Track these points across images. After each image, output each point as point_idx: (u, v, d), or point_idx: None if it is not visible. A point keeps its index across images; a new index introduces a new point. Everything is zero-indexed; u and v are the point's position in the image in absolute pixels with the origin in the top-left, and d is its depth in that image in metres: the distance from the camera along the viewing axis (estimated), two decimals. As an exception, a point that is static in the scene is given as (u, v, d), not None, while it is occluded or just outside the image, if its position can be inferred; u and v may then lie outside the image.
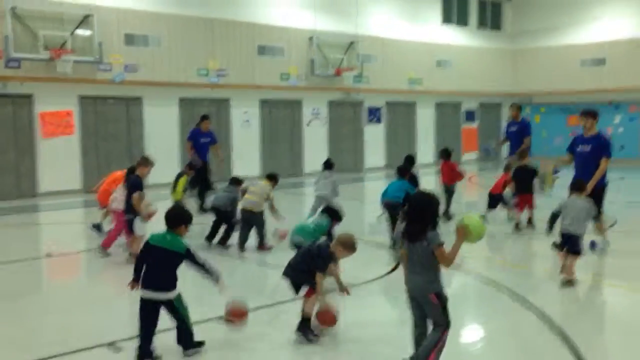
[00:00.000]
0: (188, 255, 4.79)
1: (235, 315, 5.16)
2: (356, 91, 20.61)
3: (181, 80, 16.91)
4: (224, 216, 8.84)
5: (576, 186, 6.94)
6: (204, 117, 12.98)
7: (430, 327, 4.34)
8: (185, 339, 4.88)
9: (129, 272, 5.00)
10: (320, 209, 8.02)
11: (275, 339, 5.30)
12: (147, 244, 4.85)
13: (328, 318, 5.27)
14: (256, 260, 8.30)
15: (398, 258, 7.31)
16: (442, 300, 4.25)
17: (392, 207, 8.25)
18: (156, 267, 4.74)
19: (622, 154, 21.25)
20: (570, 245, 6.66)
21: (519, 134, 11.41)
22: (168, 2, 16.66)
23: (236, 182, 9.20)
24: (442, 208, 10.25)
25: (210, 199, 9.52)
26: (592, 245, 7.86)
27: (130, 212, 7.88)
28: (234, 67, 17.85)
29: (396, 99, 22.04)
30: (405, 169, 8.98)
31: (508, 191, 10.24)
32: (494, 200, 10.42)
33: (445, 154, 10.97)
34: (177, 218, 4.84)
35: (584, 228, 6.73)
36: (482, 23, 24.97)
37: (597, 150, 7.94)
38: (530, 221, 9.96)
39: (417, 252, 4.23)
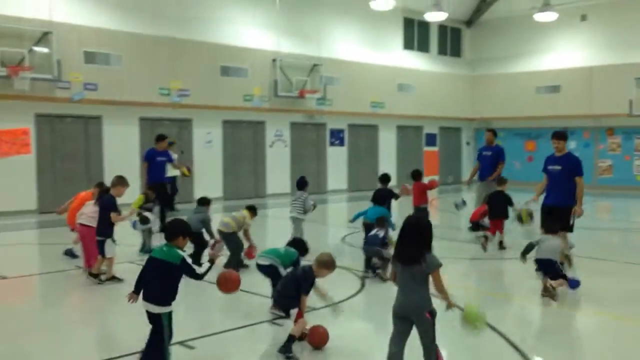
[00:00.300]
0: (183, 265, 4.67)
1: (227, 281, 5.02)
2: (319, 113, 20.71)
3: (142, 100, 16.70)
4: (195, 238, 8.71)
5: (549, 229, 7.35)
6: (161, 137, 12.63)
7: (403, 348, 4.39)
8: (156, 358, 4.70)
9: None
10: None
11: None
12: (149, 257, 4.83)
13: (318, 336, 5.41)
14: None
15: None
16: (433, 316, 4.33)
17: (371, 227, 8.57)
18: (153, 279, 4.72)
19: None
20: (550, 272, 7.07)
21: (493, 158, 11.59)
22: (130, 21, 16.50)
23: (204, 202, 9.14)
24: None
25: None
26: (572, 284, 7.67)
27: (102, 234, 7.82)
28: (197, 87, 17.73)
29: (359, 121, 22.23)
30: (383, 195, 9.50)
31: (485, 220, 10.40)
32: (475, 226, 10.52)
33: (416, 175, 11.11)
34: (174, 230, 4.82)
35: (557, 258, 7.22)
36: (442, 50, 25.51)
37: (567, 169, 8.24)
38: (501, 244, 10.24)
39: (412, 273, 4.30)
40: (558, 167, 8.33)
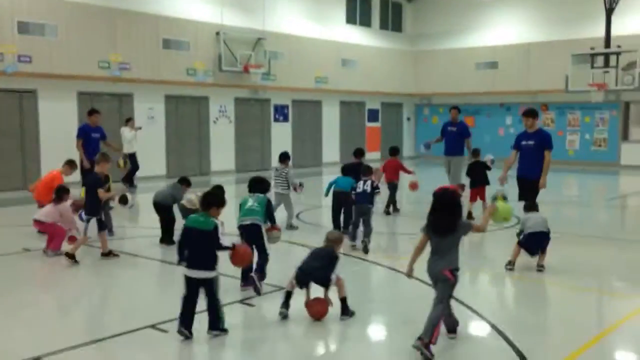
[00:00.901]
0: (213, 233, 5.05)
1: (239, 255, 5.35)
2: (263, 89, 20.41)
3: (80, 73, 15.92)
4: (162, 210, 8.73)
5: (528, 207, 7.67)
6: (94, 111, 12.19)
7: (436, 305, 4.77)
8: (213, 318, 5.12)
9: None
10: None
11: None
12: (184, 227, 5.24)
13: (320, 308, 5.59)
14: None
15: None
16: (453, 275, 4.76)
17: (341, 195, 9.11)
18: (195, 247, 5.11)
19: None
20: (538, 244, 7.24)
21: (458, 134, 12.16)
22: (66, -10, 15.65)
23: (184, 181, 8.90)
24: (385, 204, 11.27)
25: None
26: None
27: (91, 213, 7.78)
28: (138, 61, 17.07)
29: (303, 97, 22.07)
30: (353, 168, 9.62)
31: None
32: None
33: (394, 152, 11.37)
34: (209, 201, 5.23)
35: (548, 229, 7.40)
36: (384, 24, 25.58)
37: (539, 144, 8.68)
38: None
39: (445, 241, 4.76)
40: (531, 142, 8.75)
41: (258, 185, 6.93)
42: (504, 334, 5.22)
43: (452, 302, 5.13)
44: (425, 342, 4.57)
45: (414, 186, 11.23)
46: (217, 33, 18.73)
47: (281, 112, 21.54)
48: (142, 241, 9.27)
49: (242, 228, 6.53)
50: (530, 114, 8.86)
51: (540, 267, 7.34)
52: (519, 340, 5.05)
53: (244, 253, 5.43)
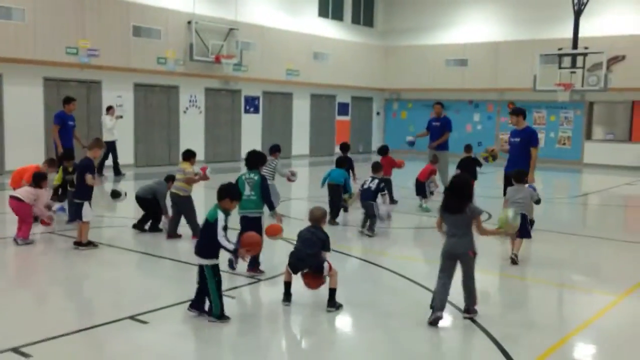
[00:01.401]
0: (213, 225, 5.23)
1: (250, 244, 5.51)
2: (235, 79, 20.25)
3: (47, 58, 15.53)
4: (145, 204, 8.89)
5: (516, 177, 7.83)
6: (70, 99, 12.33)
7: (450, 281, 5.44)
8: (197, 299, 5.36)
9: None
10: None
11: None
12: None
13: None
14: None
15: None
16: (475, 255, 5.47)
17: (334, 187, 9.83)
18: (201, 234, 5.46)
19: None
20: (520, 229, 7.19)
21: (442, 128, 12.89)
22: (33, -28, 15.22)
23: (170, 179, 8.82)
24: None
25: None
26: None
27: (81, 197, 7.76)
28: (107, 47, 16.72)
29: (274, 89, 21.97)
30: (345, 160, 10.30)
31: (431, 180, 11.36)
32: (421, 187, 11.35)
33: (384, 151, 11.70)
34: (222, 192, 5.43)
35: (530, 209, 7.87)
36: (355, 19, 25.62)
37: (525, 141, 9.20)
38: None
39: (457, 221, 5.39)
40: (517, 139, 9.33)
41: (253, 159, 6.99)
42: (482, 326, 5.32)
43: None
44: (469, 308, 5.48)
45: (400, 163, 11.64)
46: (189, 22, 18.47)
47: (252, 104, 21.41)
48: (119, 231, 9.13)
49: (241, 219, 6.69)
50: (515, 112, 9.38)
51: (514, 257, 7.49)
52: (500, 336, 5.15)
53: (252, 243, 5.52)
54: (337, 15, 24.68)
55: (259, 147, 21.39)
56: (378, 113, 27.07)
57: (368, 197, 8.97)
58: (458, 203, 5.39)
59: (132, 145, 17.86)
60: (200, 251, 5.33)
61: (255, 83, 21.04)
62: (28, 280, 6.88)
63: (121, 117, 16.36)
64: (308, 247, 5.68)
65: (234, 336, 5.16)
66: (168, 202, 8.81)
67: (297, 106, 23.10)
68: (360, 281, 6.98)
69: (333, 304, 5.66)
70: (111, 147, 15.33)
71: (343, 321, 5.60)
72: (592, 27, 20.78)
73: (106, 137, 15.08)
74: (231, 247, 5.28)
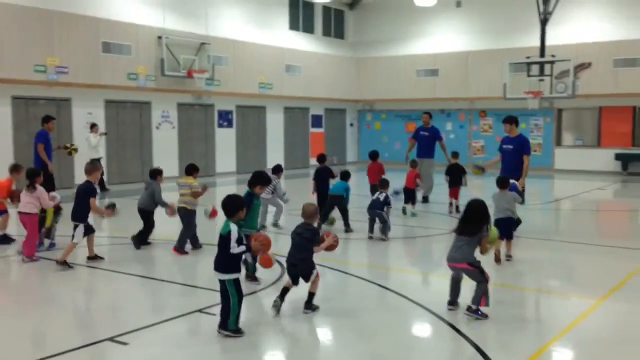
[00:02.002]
0: (225, 237, 5.24)
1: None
2: (207, 94, 20.16)
3: (15, 77, 15.27)
4: (145, 216, 8.97)
5: (501, 183, 8.28)
6: (50, 118, 12.67)
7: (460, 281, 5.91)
8: (224, 318, 5.26)
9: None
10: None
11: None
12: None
13: (265, 261, 6.11)
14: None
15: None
16: (476, 266, 5.73)
17: (336, 198, 10.22)
18: (218, 250, 5.37)
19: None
20: (505, 231, 7.88)
21: (431, 138, 13.51)
22: (-1, -10, 15.00)
23: (155, 172, 9.11)
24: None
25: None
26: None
27: (78, 219, 7.83)
28: (76, 64, 16.52)
29: (247, 102, 21.92)
30: (347, 174, 10.63)
31: (417, 183, 12.09)
32: (411, 193, 12.01)
33: (375, 155, 12.18)
34: (232, 206, 5.42)
35: (513, 212, 8.24)
36: (326, 31, 25.75)
37: (517, 149, 9.65)
38: (457, 209, 11.78)
39: (465, 240, 5.75)
40: (510, 147, 9.78)
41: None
42: (464, 333, 5.32)
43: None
44: (474, 308, 5.68)
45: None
46: (160, 37, 18.36)
47: (225, 118, 21.32)
48: (100, 250, 8.96)
49: None
50: (508, 120, 9.86)
51: (508, 257, 7.98)
52: (483, 343, 5.16)
53: (259, 237, 5.71)
54: (308, 28, 24.79)
55: (233, 162, 21.34)
56: (351, 124, 27.18)
57: (376, 207, 9.57)
58: (476, 227, 5.73)
59: (105, 162, 17.57)
60: (220, 267, 5.31)
61: (228, 97, 20.97)
62: (3, 301, 6.70)
63: (105, 134, 16.60)
64: (298, 252, 5.88)
65: (216, 355, 5.07)
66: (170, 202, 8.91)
67: (271, 119, 23.07)
68: (340, 292, 6.95)
69: (309, 307, 5.88)
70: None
71: (324, 332, 5.56)
72: (559, 35, 21.23)
73: (91, 155, 15.14)
74: (243, 248, 5.32)
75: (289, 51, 23.17)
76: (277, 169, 10.85)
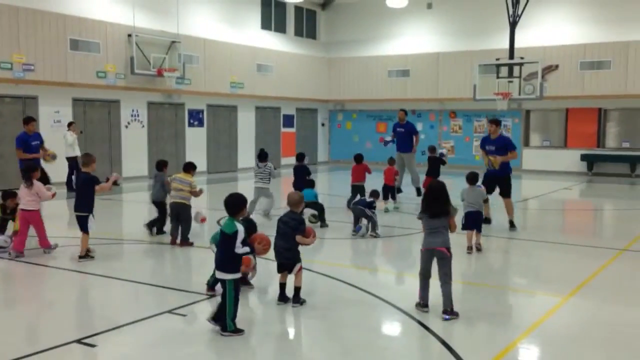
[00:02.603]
0: (231, 236, 5.23)
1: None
2: (178, 93, 19.97)
3: (-21, 74, 14.95)
4: (160, 207, 9.69)
5: (470, 179, 9.00)
6: (30, 119, 12.38)
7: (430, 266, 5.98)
8: (222, 320, 5.26)
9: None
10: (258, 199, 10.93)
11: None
12: (221, 230, 5.45)
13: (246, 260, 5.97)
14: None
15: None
16: (450, 253, 5.90)
17: (310, 204, 10.38)
18: (219, 249, 5.42)
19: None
20: (475, 223, 8.66)
21: (407, 134, 14.02)
22: (-37, -16, 14.64)
23: (162, 164, 9.85)
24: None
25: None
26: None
27: (85, 210, 7.97)
28: (43, 62, 16.22)
29: (218, 102, 21.78)
30: (312, 182, 11.37)
31: (396, 179, 12.74)
32: (390, 190, 12.61)
33: (360, 158, 12.55)
34: (235, 205, 5.44)
35: (481, 206, 8.94)
36: (298, 31, 25.74)
37: (500, 148, 10.37)
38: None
39: (437, 223, 5.88)
40: (492, 147, 10.51)
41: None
42: (435, 332, 5.37)
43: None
44: (450, 310, 5.76)
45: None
46: (129, 35, 18.13)
47: (196, 117, 21.15)
48: (64, 251, 8.81)
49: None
50: (492, 122, 10.62)
51: (478, 246, 8.67)
52: (452, 341, 5.22)
53: (260, 238, 6.03)
54: (280, 28, 24.75)
55: (203, 161, 21.16)
56: (323, 124, 27.21)
57: (362, 204, 9.92)
58: (440, 207, 5.90)
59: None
60: (222, 266, 5.33)
61: (199, 96, 20.82)
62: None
63: (81, 132, 16.55)
64: (284, 241, 6.07)
65: (185, 356, 5.03)
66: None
67: (242, 119, 22.96)
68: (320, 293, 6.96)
69: (297, 300, 6.09)
70: (73, 162, 15.37)
71: (294, 329, 5.56)
72: (527, 37, 21.57)
73: (67, 153, 15.32)
74: (247, 249, 5.37)
75: (260, 50, 23.09)
76: (266, 156, 11.31)
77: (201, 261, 8.02)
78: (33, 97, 16.34)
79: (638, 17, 20.82)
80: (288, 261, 6.10)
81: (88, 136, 17.68)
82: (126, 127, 18.79)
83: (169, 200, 9.31)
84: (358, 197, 10.71)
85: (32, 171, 8.41)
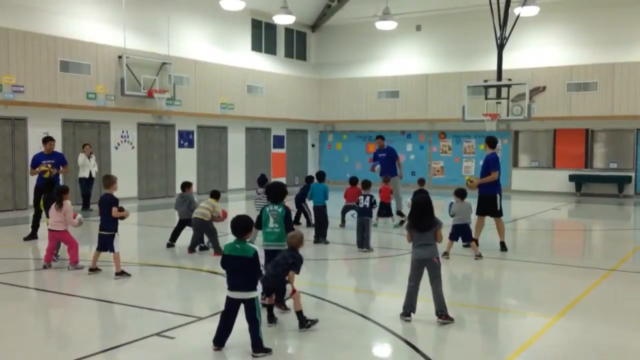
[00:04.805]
0: (253, 259, 5.29)
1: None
2: (168, 114, 20.00)
3: (-32, 95, 14.92)
4: (187, 224, 10.40)
5: (459, 194, 9.75)
6: (48, 139, 12.13)
7: (418, 283, 6.32)
8: (255, 341, 5.25)
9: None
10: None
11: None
12: (224, 255, 5.48)
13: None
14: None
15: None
16: (439, 261, 6.30)
17: (319, 208, 11.31)
18: (236, 272, 5.35)
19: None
20: (465, 236, 9.70)
21: (389, 158, 14.48)
22: (-47, 6, 14.67)
23: (186, 185, 10.69)
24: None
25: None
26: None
27: (109, 229, 8.15)
28: (33, 83, 16.23)
29: (208, 123, 21.82)
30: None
31: (392, 198, 13.28)
32: (387, 208, 13.03)
33: (354, 181, 12.84)
34: (242, 227, 5.45)
35: (469, 219, 9.71)
36: (289, 52, 25.92)
37: (485, 166, 10.63)
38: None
39: (424, 234, 6.24)
40: (482, 163, 10.88)
41: (276, 193, 7.05)
42: (423, 352, 5.35)
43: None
44: (444, 314, 6.11)
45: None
46: (120, 57, 18.19)
47: (186, 138, 21.16)
48: (57, 274, 8.72)
49: (266, 252, 6.72)
50: (485, 141, 10.89)
51: (477, 257, 9.51)
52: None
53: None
54: (270, 49, 24.92)
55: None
56: (313, 145, 27.29)
57: (365, 213, 10.19)
58: (426, 222, 6.25)
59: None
60: (245, 286, 5.30)
61: (189, 117, 20.85)
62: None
63: (91, 153, 16.81)
64: (272, 268, 6.07)
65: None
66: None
67: (233, 140, 22.99)
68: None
69: (303, 324, 5.96)
70: (83, 182, 16.23)
71: (282, 350, 5.52)
72: (515, 59, 21.83)
73: (80, 174, 16.15)
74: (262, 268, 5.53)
75: (251, 72, 23.22)
76: (264, 181, 11.81)
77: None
78: (22, 118, 16.31)
79: (623, 39, 21.15)
80: (272, 286, 6.09)
81: (77, 157, 17.57)
82: (116, 148, 18.77)
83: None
84: (362, 202, 10.47)
85: (63, 193, 8.52)
